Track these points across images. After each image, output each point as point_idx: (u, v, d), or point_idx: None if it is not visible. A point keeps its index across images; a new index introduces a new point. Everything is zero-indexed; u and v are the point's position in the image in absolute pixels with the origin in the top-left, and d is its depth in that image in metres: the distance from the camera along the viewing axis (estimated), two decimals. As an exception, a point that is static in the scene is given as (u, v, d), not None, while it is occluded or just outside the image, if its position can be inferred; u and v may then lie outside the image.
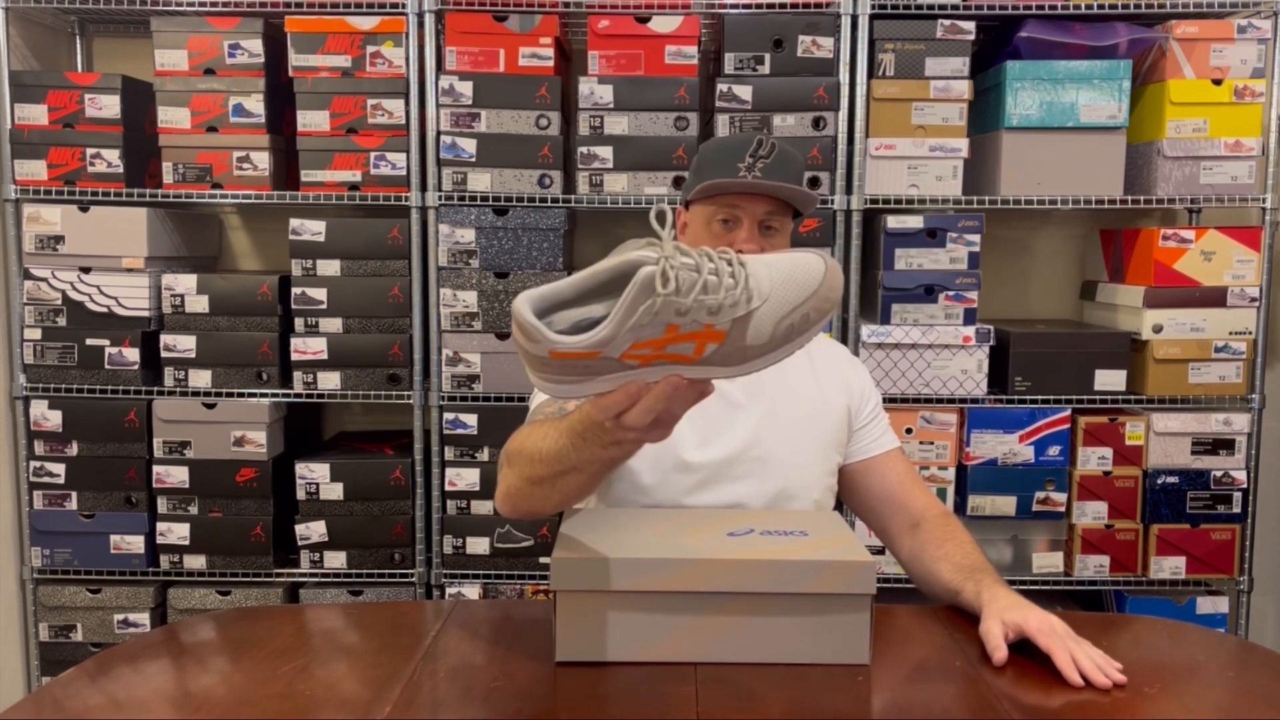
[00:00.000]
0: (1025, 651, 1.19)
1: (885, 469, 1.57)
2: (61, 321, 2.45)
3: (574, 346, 0.93)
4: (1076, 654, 1.13)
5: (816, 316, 0.97)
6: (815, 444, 1.52)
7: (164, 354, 2.45)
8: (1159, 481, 2.44)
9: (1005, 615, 1.21)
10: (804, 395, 1.54)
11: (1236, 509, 2.45)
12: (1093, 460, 2.44)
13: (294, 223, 2.43)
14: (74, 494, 2.47)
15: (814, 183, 2.41)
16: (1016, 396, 2.43)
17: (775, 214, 1.49)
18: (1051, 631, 1.17)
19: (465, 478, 2.45)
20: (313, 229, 2.43)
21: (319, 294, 2.43)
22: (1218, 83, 2.39)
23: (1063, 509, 2.45)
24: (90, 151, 2.44)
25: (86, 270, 2.45)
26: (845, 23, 2.39)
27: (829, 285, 0.97)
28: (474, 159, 2.41)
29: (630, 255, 0.93)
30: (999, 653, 1.17)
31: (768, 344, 0.97)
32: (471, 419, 2.44)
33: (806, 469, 1.51)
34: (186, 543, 2.47)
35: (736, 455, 1.47)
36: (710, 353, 0.96)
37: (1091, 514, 2.45)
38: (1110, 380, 2.43)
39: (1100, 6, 2.38)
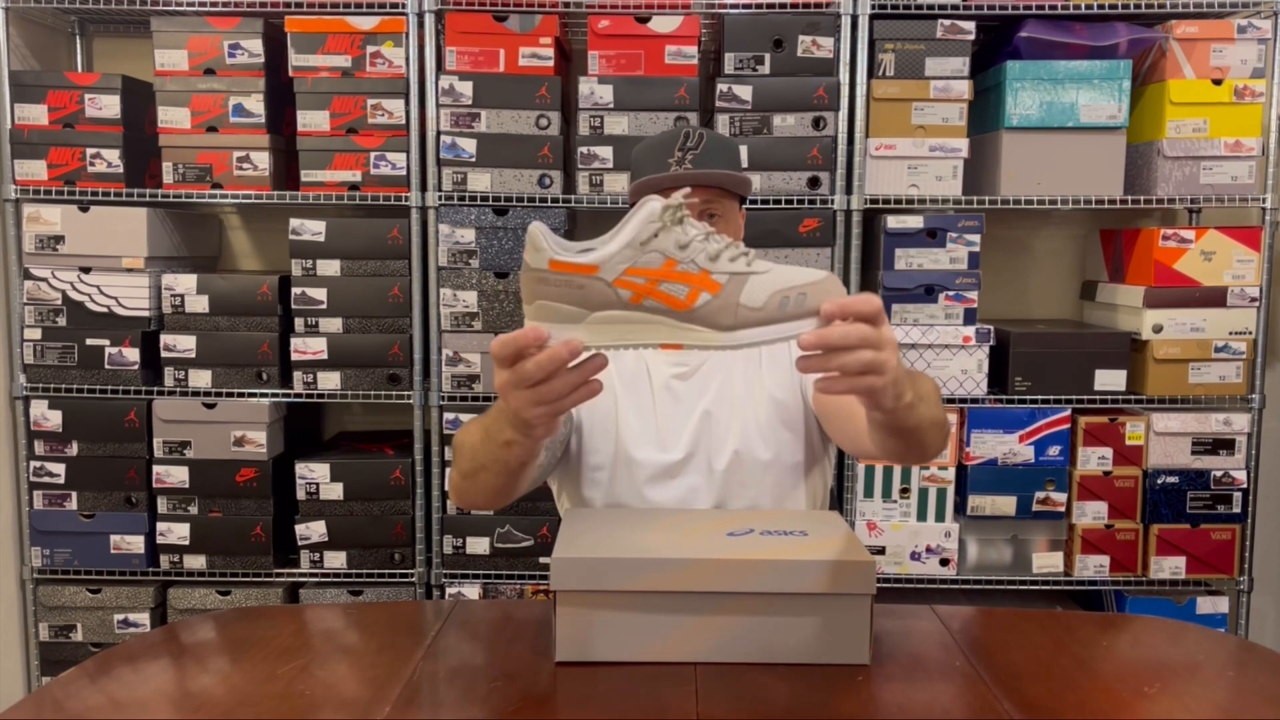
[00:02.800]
0: (1025, 651, 1.19)
1: None
2: (61, 321, 2.45)
3: (573, 260, 0.99)
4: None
5: (813, 303, 0.98)
6: (761, 426, 1.52)
7: (164, 354, 2.45)
8: (1159, 481, 2.44)
9: None
10: (751, 384, 1.54)
11: (1236, 509, 2.45)
12: (1093, 460, 2.44)
13: (294, 223, 2.43)
14: (74, 494, 2.47)
15: (814, 182, 2.40)
16: (1016, 396, 2.43)
17: (715, 200, 1.50)
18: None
19: (465, 478, 2.45)
20: (313, 229, 2.43)
21: (319, 294, 2.43)
22: (1218, 83, 2.39)
23: (1063, 509, 2.45)
24: (90, 151, 2.44)
25: (86, 270, 2.45)
26: (845, 23, 2.39)
27: (832, 281, 0.99)
28: (474, 159, 2.41)
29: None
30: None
31: (760, 310, 0.97)
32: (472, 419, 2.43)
33: (753, 456, 1.50)
34: (186, 543, 2.47)
35: (686, 450, 1.51)
36: (702, 303, 0.98)
37: (1091, 514, 2.45)
38: (1110, 380, 2.43)
39: (1100, 6, 2.38)
